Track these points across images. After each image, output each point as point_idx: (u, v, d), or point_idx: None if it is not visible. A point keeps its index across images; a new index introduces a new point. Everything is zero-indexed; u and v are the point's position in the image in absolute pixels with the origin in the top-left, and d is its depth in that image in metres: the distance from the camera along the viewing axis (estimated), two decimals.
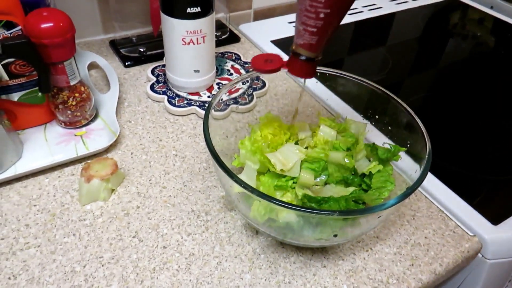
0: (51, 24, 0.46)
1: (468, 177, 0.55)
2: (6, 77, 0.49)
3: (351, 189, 0.42)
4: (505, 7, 1.01)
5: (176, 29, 0.54)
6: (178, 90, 0.61)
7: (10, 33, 0.46)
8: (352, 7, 0.97)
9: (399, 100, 0.45)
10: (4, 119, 0.48)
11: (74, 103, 0.52)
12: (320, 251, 0.43)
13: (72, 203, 0.46)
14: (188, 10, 0.52)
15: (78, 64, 0.52)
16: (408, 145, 0.44)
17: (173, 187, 0.49)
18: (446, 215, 0.48)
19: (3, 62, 0.47)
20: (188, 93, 0.61)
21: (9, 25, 0.46)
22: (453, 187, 0.51)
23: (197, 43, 0.55)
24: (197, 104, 0.59)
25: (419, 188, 0.51)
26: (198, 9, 0.52)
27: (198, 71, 0.58)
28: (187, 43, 0.55)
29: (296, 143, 0.47)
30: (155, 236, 0.43)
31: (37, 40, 0.46)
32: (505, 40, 0.92)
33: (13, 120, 0.51)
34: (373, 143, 0.46)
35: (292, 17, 0.89)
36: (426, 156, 0.39)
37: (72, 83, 0.51)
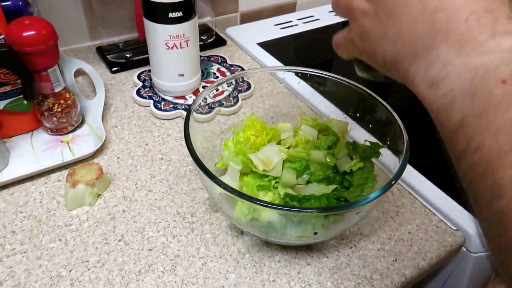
0: (33, 32, 0.46)
1: (452, 172, 0.55)
2: None
3: (333, 187, 0.43)
4: None
5: (159, 34, 0.54)
6: (164, 94, 0.62)
7: None
8: None
9: (378, 97, 0.45)
10: None
11: (59, 109, 0.52)
12: (305, 249, 0.44)
13: (58, 208, 0.46)
14: (170, 15, 0.52)
15: (64, 71, 0.53)
16: (388, 141, 0.45)
17: (159, 190, 0.49)
18: (429, 210, 0.49)
19: None
20: (174, 97, 0.61)
21: None
22: (437, 182, 0.51)
23: (181, 47, 0.56)
24: (183, 107, 0.60)
25: (403, 184, 0.52)
26: (180, 14, 0.53)
27: (183, 75, 0.59)
28: (170, 47, 0.55)
29: (279, 143, 0.47)
30: (141, 239, 0.44)
31: (19, 48, 0.46)
32: None
33: None
34: (354, 141, 0.46)
35: (279, 19, 0.90)
36: (404, 150, 0.39)
37: (56, 90, 0.51)
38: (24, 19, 0.47)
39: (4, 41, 0.47)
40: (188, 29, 0.55)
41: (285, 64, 0.74)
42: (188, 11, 0.54)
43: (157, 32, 0.54)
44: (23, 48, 0.46)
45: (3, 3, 0.48)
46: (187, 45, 0.56)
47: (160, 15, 0.53)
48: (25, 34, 0.46)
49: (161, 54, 0.57)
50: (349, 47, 0.31)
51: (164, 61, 0.57)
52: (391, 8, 0.26)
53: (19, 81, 0.50)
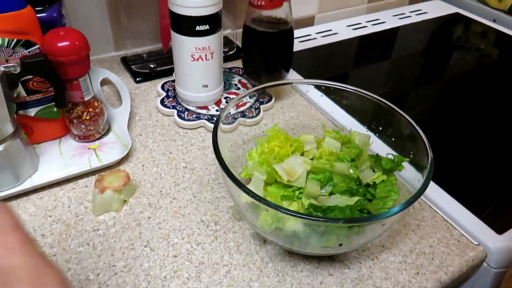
0: (67, 43, 0.48)
1: (473, 187, 0.55)
2: (24, 93, 0.51)
3: (356, 198, 0.43)
4: (508, 20, 1.02)
5: (185, 46, 0.56)
6: (187, 105, 0.63)
7: (29, 52, 0.49)
8: (356, 22, 0.99)
9: (401, 112, 0.46)
10: (22, 133, 0.50)
11: (88, 117, 0.54)
12: (327, 260, 0.44)
13: (86, 213, 0.47)
14: (197, 28, 0.54)
15: (91, 80, 0.54)
16: (411, 155, 0.45)
17: (183, 198, 0.50)
18: (450, 224, 0.49)
19: (22, 79, 0.50)
20: (197, 107, 0.63)
21: (28, 44, 0.48)
22: (458, 196, 0.52)
23: (206, 59, 0.57)
24: (206, 117, 0.61)
25: (424, 198, 0.52)
26: (207, 27, 0.54)
27: (207, 86, 0.60)
28: (196, 59, 0.57)
29: (302, 154, 0.48)
30: (166, 245, 0.45)
31: (54, 58, 0.48)
32: (508, 52, 0.93)
33: (30, 134, 0.53)
34: (377, 154, 0.47)
35: (298, 32, 0.91)
36: (428, 166, 0.40)
37: (86, 99, 0.53)
38: (59, 30, 0.49)
39: (39, 51, 0.49)
40: (214, 42, 0.57)
41: (304, 76, 0.75)
42: (214, 25, 0.55)
43: (184, 44, 0.56)
44: (58, 57, 0.48)
45: (39, 15, 0.50)
46: (212, 57, 0.58)
47: (187, 28, 0.55)
48: (59, 44, 0.48)
49: (187, 65, 0.58)
50: None
51: (189, 72, 0.59)
52: None
53: (50, 89, 0.52)
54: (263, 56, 0.63)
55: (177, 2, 0.53)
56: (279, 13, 0.60)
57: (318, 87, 0.55)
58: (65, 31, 0.49)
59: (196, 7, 0.52)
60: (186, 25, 0.55)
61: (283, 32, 0.62)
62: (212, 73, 0.60)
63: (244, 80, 0.71)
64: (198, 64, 0.58)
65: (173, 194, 0.51)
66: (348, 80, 0.82)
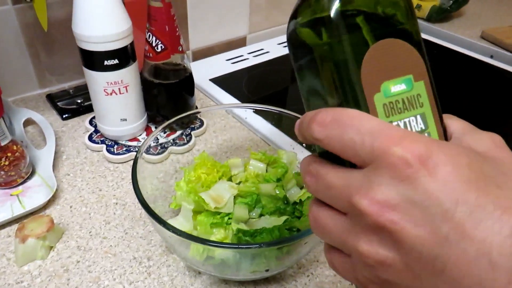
0: None
1: None
2: None
3: (284, 218, 0.44)
4: (428, 27, 1.09)
5: (97, 81, 0.55)
6: (111, 139, 0.62)
7: None
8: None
9: None
10: None
11: (7, 163, 0.51)
12: (263, 282, 0.44)
13: (9, 266, 0.45)
14: (106, 62, 0.53)
15: (13, 121, 0.52)
16: None
17: (114, 236, 0.49)
18: None
19: None
20: (127, 140, 0.62)
21: None
22: None
23: (120, 93, 0.56)
24: (136, 149, 0.60)
25: None
26: (116, 61, 0.54)
27: (125, 119, 0.59)
28: (109, 93, 0.56)
29: (230, 179, 0.48)
30: None
31: None
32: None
33: None
34: None
35: (230, 54, 0.93)
36: None
37: (3, 144, 0.51)
38: None
39: None
40: (127, 75, 0.56)
41: (238, 98, 0.75)
42: (124, 58, 0.55)
43: (95, 79, 0.55)
44: None
45: None
46: (126, 91, 0.57)
47: (96, 63, 0.54)
48: None
49: (101, 100, 0.57)
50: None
51: (104, 107, 0.58)
52: (436, 265, 0.19)
53: None
54: (163, 104, 0.64)
55: (83, 38, 0.52)
56: (174, 59, 0.60)
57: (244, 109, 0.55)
58: None
59: (101, 42, 0.52)
60: (95, 61, 0.54)
61: (181, 81, 0.63)
62: (129, 106, 0.59)
63: None
64: (112, 99, 0.57)
65: (104, 233, 0.49)
66: (287, 96, 0.83)
